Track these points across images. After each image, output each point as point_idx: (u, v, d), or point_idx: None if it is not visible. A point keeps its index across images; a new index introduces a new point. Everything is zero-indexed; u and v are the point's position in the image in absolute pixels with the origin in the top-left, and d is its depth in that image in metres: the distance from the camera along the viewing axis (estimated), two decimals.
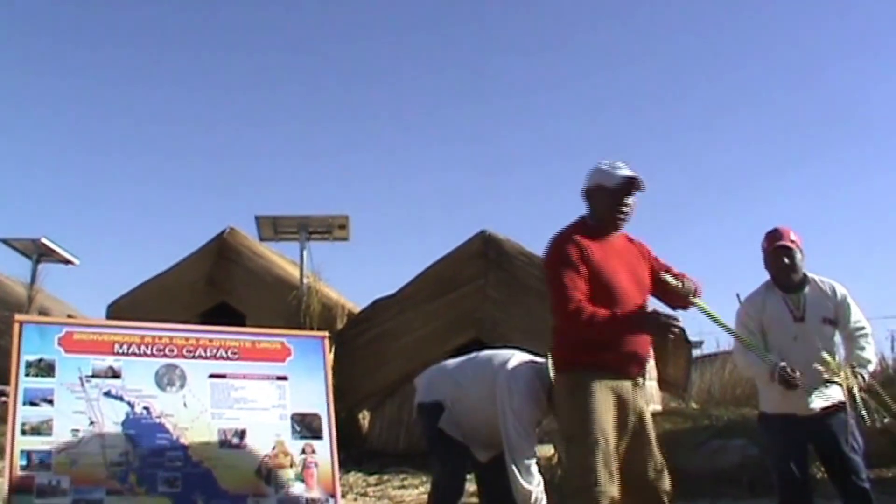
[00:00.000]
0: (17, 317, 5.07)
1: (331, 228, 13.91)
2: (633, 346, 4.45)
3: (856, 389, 5.09)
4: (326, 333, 5.65)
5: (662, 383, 14.87)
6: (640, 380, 4.56)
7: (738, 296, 5.47)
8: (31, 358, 4.89)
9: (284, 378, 5.27)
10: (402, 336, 12.86)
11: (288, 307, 13.62)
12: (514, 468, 5.10)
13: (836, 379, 5.07)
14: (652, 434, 4.53)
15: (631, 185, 4.46)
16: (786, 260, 5.33)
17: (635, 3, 37.45)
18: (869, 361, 5.28)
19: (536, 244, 12.40)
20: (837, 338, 5.36)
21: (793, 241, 5.35)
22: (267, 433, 5.12)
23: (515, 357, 5.44)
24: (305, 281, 14.00)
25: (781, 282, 5.39)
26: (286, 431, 5.15)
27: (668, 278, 4.66)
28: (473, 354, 5.75)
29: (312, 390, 5.32)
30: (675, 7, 36.58)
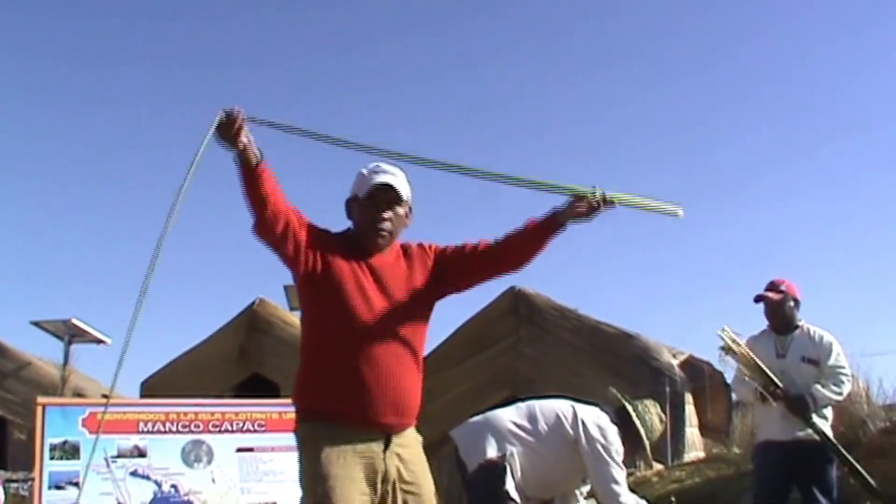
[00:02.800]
0: (40, 399, 5.04)
1: None
2: (381, 389, 3.32)
3: (828, 429, 5.98)
4: None
5: (704, 429, 14.67)
6: (397, 438, 3.37)
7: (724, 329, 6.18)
8: (56, 441, 4.84)
9: None
10: (439, 397, 12.73)
11: None
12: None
13: (733, 347, 6.06)
14: None
15: (386, 193, 3.46)
16: (768, 309, 6.16)
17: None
18: (830, 398, 5.92)
19: (566, 296, 12.31)
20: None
21: (780, 293, 6.13)
22: None
23: (573, 403, 5.28)
24: None
25: (770, 325, 6.20)
26: None
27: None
28: (515, 406, 5.35)
29: None
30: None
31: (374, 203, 3.45)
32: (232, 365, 15.33)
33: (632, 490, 5.20)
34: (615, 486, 5.00)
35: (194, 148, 3.02)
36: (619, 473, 5.04)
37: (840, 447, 6.36)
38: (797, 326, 6.19)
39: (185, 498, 4.88)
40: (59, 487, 4.76)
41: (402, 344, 3.44)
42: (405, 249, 3.61)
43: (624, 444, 5.08)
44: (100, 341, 17.87)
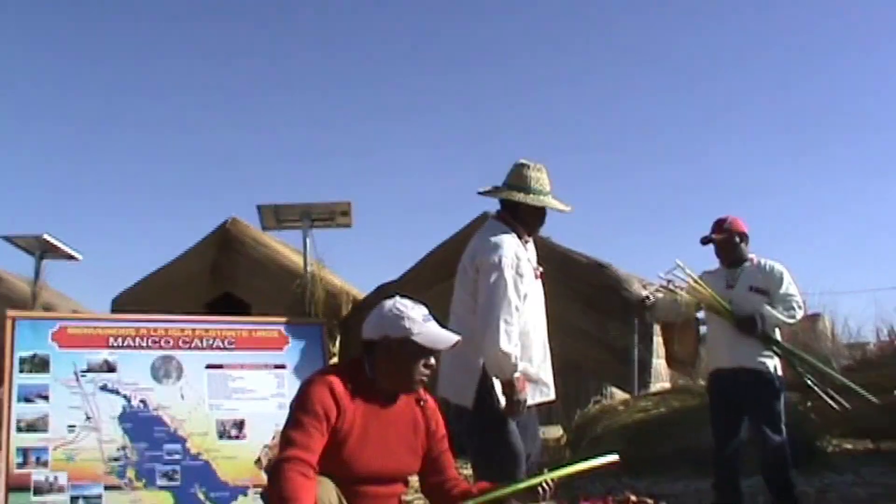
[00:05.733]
0: (10, 313, 5.00)
1: (333, 215, 13.76)
2: None
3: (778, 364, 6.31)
4: (324, 321, 5.55)
5: (671, 361, 14.77)
6: None
7: (677, 262, 6.50)
8: (25, 354, 4.82)
9: (283, 367, 5.18)
10: None
11: (292, 296, 13.53)
12: (496, 325, 4.58)
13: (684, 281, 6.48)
14: None
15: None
16: (716, 248, 6.52)
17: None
18: (779, 318, 6.25)
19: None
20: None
21: (724, 231, 6.43)
22: (266, 423, 5.02)
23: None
24: (309, 269, 13.89)
25: (721, 262, 6.56)
26: (285, 420, 5.04)
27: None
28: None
29: None
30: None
31: (429, 358, 3.56)
32: (203, 283, 15.31)
33: (596, 417, 5.14)
34: (498, 315, 4.65)
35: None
36: (509, 290, 4.72)
37: (800, 353, 6.87)
38: (747, 260, 6.49)
39: (154, 413, 4.88)
40: (28, 400, 4.74)
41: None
42: (419, 396, 3.71)
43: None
44: (71, 257, 17.77)
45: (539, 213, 5.07)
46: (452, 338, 3.60)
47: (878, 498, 6.63)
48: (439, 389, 4.70)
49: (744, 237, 6.53)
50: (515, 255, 4.84)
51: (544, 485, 3.51)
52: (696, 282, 6.44)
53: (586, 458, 3.75)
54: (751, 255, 6.54)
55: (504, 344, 4.59)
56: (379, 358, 3.55)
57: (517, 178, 4.98)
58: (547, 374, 5.00)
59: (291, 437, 3.33)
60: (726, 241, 6.49)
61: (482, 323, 4.66)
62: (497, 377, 4.67)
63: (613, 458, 3.79)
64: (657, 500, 5.98)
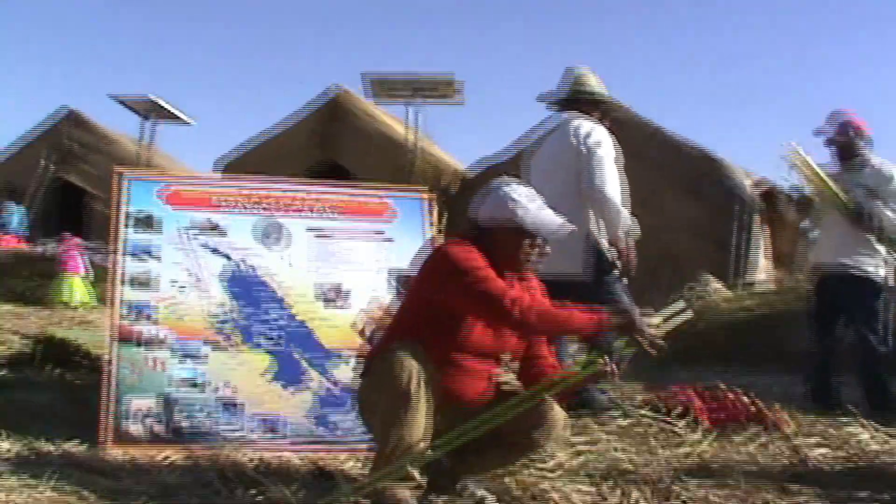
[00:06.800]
0: (118, 168, 5.06)
1: (438, 87, 13.68)
2: None
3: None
4: (429, 191, 5.51)
5: (772, 258, 14.54)
6: None
7: (793, 144, 6.27)
8: (133, 211, 4.89)
9: (384, 235, 5.17)
10: None
11: (397, 168, 13.57)
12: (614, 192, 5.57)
13: (798, 162, 6.21)
14: None
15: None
16: (832, 146, 6.29)
17: None
18: (892, 217, 6.00)
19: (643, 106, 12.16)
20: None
21: (845, 135, 6.17)
22: (365, 290, 5.05)
23: None
24: (414, 141, 13.87)
25: (839, 159, 6.31)
26: (384, 289, 5.08)
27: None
28: None
29: (413, 249, 5.17)
30: None
31: (538, 242, 3.65)
32: (310, 152, 15.41)
33: (696, 314, 5.29)
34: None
35: None
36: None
37: None
38: (864, 159, 6.23)
39: (257, 275, 4.94)
40: (135, 256, 4.83)
41: None
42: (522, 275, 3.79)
43: None
44: (181, 121, 18.02)
45: (600, 110, 6.00)
46: (558, 221, 3.60)
47: None
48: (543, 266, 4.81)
49: (864, 138, 6.28)
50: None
51: (611, 366, 3.53)
52: (811, 168, 6.23)
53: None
54: (869, 156, 6.27)
55: (621, 205, 5.57)
56: (487, 238, 3.62)
57: (578, 81, 5.98)
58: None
59: (498, 287, 3.46)
60: (848, 146, 6.27)
61: (595, 188, 5.55)
62: (613, 237, 5.60)
63: (686, 312, 3.79)
64: (746, 390, 5.94)
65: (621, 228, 5.58)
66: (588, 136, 5.65)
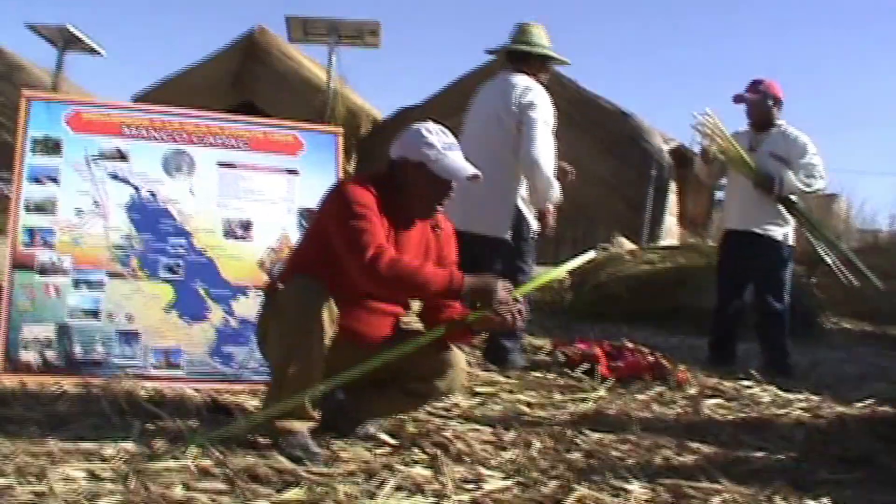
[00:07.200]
0: (25, 92, 4.91)
1: (361, 34, 13.55)
2: None
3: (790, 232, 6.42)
4: (340, 129, 5.45)
5: (683, 220, 14.78)
6: None
7: (706, 110, 6.45)
8: (37, 135, 4.75)
9: (295, 172, 5.11)
10: None
11: (313, 110, 13.44)
12: (546, 160, 5.57)
13: (709, 126, 6.40)
14: None
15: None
16: (747, 107, 6.53)
17: None
18: (797, 185, 6.25)
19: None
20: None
21: (759, 92, 6.41)
22: (273, 226, 4.99)
23: None
24: (332, 85, 13.74)
25: (750, 123, 6.57)
26: (292, 226, 5.02)
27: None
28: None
29: (323, 187, 5.13)
30: None
31: (446, 187, 3.61)
32: (225, 90, 15.21)
33: (601, 263, 5.43)
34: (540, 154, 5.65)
35: None
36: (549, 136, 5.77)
37: (815, 220, 6.96)
38: (775, 126, 6.46)
39: (162, 206, 4.84)
40: (37, 181, 4.70)
41: None
42: (435, 223, 3.80)
43: None
44: (94, 52, 17.61)
45: (543, 66, 5.99)
46: (470, 171, 3.56)
47: (867, 376, 6.67)
48: (465, 223, 4.91)
49: (777, 102, 6.49)
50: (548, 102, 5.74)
51: (517, 312, 3.45)
52: (722, 133, 6.37)
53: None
54: (780, 122, 6.50)
55: (552, 176, 5.59)
56: (399, 177, 3.61)
57: (522, 35, 5.94)
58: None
59: (368, 231, 3.39)
60: (759, 103, 6.47)
61: (531, 158, 5.53)
62: (540, 206, 5.68)
63: (591, 254, 3.99)
64: (653, 349, 6.04)
65: (550, 201, 5.64)
66: (525, 97, 5.66)
